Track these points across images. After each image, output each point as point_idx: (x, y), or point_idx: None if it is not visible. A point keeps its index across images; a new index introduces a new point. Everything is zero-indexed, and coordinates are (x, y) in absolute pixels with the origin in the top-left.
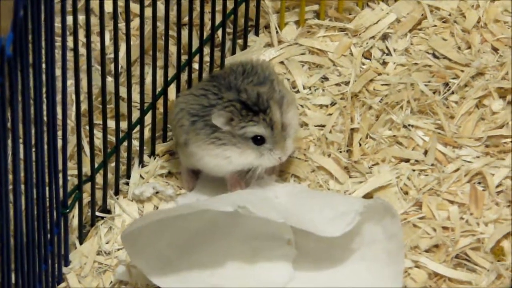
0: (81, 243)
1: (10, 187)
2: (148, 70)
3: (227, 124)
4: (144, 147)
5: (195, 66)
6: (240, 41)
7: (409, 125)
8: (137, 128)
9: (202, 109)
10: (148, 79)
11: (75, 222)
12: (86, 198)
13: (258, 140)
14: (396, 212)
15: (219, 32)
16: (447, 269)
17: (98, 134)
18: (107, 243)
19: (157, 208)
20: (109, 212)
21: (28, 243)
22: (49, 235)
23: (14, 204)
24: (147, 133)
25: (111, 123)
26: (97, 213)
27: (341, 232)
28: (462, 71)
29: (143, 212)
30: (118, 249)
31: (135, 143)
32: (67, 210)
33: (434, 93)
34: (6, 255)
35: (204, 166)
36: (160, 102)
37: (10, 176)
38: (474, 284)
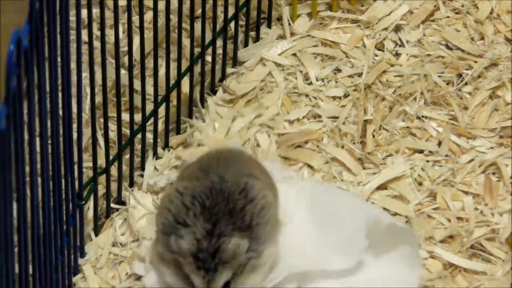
0: (96, 235)
1: (27, 179)
2: (161, 62)
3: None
4: (158, 140)
5: (208, 58)
6: (252, 34)
7: (422, 116)
8: (151, 120)
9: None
10: (162, 72)
11: (90, 214)
12: (101, 190)
13: None
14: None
15: (232, 24)
16: (462, 260)
17: (112, 126)
18: (122, 234)
19: None
20: (124, 203)
21: (45, 234)
22: (65, 227)
23: (31, 196)
24: (160, 125)
25: (125, 116)
26: (112, 205)
27: (354, 262)
28: (476, 62)
29: (157, 204)
30: (133, 241)
31: (149, 136)
32: (83, 202)
33: (447, 84)
34: (24, 246)
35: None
36: (173, 95)
37: (27, 168)
38: (489, 274)
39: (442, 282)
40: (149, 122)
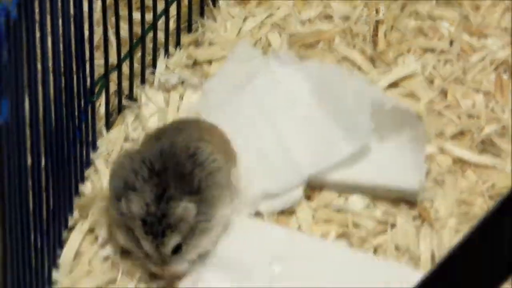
0: (108, 130)
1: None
2: None
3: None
4: (169, 38)
5: None
6: None
7: (434, 15)
8: (162, 19)
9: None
10: None
11: (102, 110)
12: (113, 87)
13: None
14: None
15: None
16: (472, 155)
17: (124, 26)
18: (134, 130)
19: (182, 98)
20: (135, 100)
21: (57, 129)
22: (77, 122)
23: (42, 92)
24: (172, 24)
25: (136, 15)
26: (124, 102)
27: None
28: None
29: (169, 101)
30: None
31: (161, 35)
32: (94, 98)
33: None
34: (36, 139)
35: None
36: None
37: (39, 66)
38: (499, 169)
39: (452, 177)
40: (160, 21)
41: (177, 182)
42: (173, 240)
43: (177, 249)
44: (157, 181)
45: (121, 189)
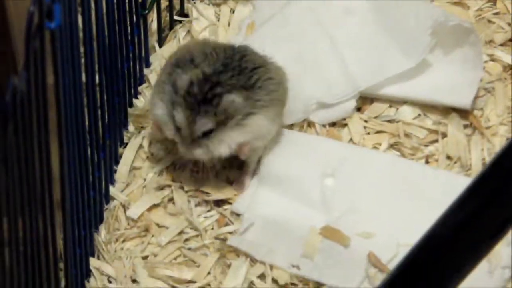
0: (160, 46)
1: None
2: None
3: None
4: None
5: None
6: None
7: None
8: None
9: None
10: None
11: (154, 26)
12: (164, 4)
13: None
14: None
15: None
16: None
17: None
18: None
19: (233, 11)
20: (186, 16)
21: (110, 44)
22: (129, 37)
23: (95, 7)
24: None
25: None
26: (175, 17)
27: (416, 62)
28: None
29: (219, 16)
30: None
31: None
32: (146, 11)
33: None
34: (90, 55)
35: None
36: None
37: None
38: None
39: (502, 84)
40: None
41: (235, 74)
42: (206, 123)
43: (207, 134)
44: (219, 66)
45: (184, 60)
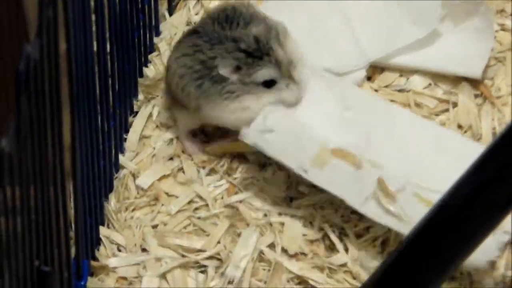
0: (170, 15)
1: None
2: None
3: (235, 72)
4: None
5: None
6: None
7: None
8: None
9: (203, 68)
10: None
11: None
12: None
13: (269, 83)
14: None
15: None
16: None
17: None
18: (196, 14)
19: None
20: None
21: (121, 12)
22: (140, 5)
23: None
24: None
25: None
26: None
27: (427, 32)
28: None
29: None
30: None
31: None
32: None
33: None
34: (101, 24)
35: (224, 123)
36: None
37: None
38: None
39: None
40: None
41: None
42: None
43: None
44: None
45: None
